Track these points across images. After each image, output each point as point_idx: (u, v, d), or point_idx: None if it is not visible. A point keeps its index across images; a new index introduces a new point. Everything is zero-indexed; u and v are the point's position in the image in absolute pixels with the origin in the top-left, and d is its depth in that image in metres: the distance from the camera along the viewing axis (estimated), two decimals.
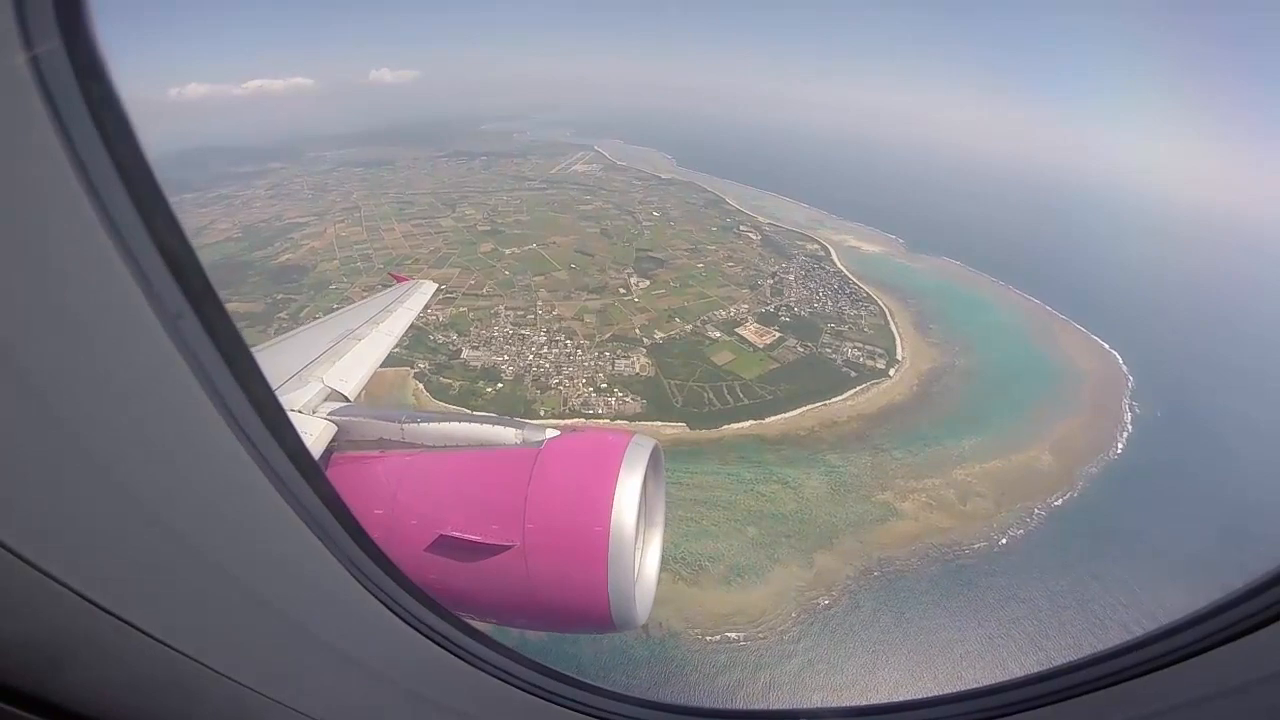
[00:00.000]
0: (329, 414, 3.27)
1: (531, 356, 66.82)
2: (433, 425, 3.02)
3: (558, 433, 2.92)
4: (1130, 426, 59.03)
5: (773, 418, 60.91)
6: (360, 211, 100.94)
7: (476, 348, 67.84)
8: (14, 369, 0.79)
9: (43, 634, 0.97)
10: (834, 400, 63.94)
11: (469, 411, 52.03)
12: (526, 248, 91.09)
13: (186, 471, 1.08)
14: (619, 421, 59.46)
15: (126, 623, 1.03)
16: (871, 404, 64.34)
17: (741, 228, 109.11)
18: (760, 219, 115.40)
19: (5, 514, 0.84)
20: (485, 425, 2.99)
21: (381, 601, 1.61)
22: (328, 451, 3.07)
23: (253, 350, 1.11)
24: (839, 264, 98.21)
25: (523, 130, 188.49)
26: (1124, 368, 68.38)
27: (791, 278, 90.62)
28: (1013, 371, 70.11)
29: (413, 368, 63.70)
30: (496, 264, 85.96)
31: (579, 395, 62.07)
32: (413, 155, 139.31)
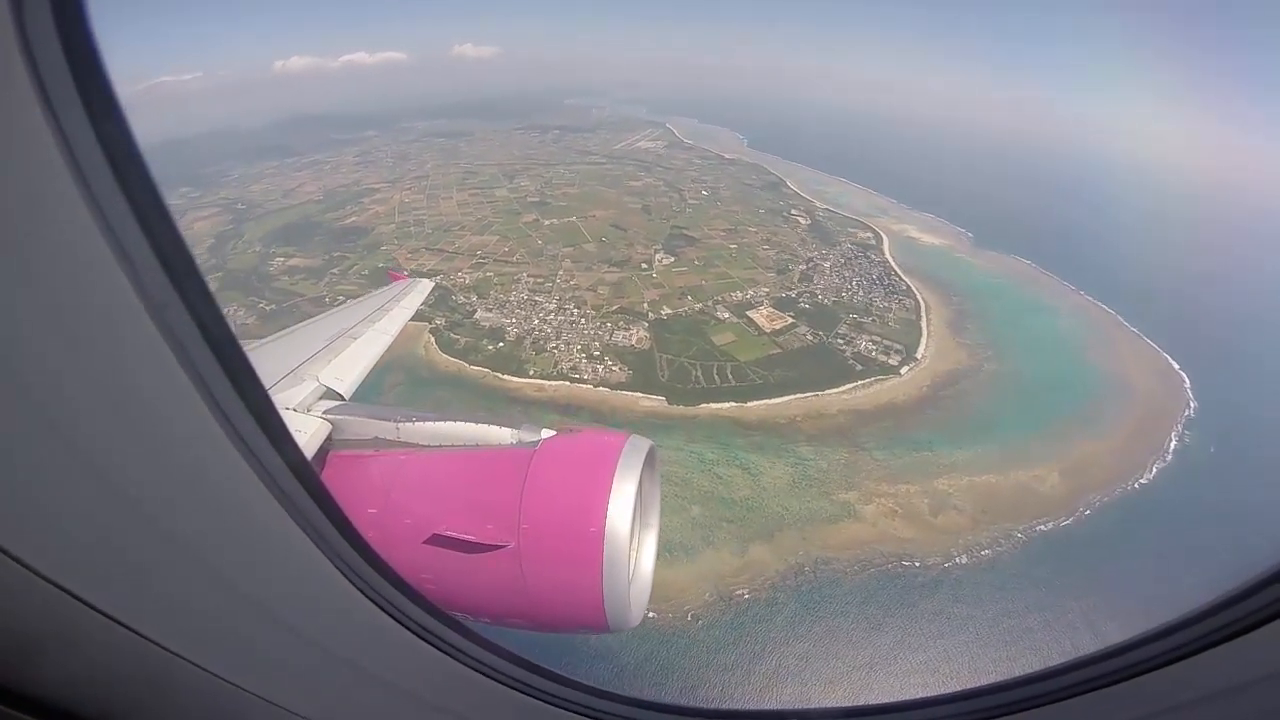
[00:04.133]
0: (324, 412, 3.26)
1: (537, 321, 68.30)
2: (428, 424, 2.99)
3: (553, 433, 2.89)
4: (1169, 458, 49.40)
5: (755, 402, 57.97)
6: (429, 180, 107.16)
7: (490, 310, 70.44)
8: (3, 364, 0.76)
9: (20, 626, 0.94)
10: (828, 392, 59.50)
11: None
12: (566, 220, 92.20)
13: (174, 467, 1.05)
14: (601, 389, 59.58)
15: (108, 617, 1.01)
16: (869, 400, 59.14)
17: (792, 211, 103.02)
18: (817, 204, 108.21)
19: None
20: (481, 425, 2.97)
21: (371, 599, 1.58)
22: (323, 449, 3.03)
23: (248, 348, 1.15)
24: (887, 254, 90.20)
25: (602, 106, 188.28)
26: (1189, 392, 56.94)
27: (828, 265, 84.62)
28: (1048, 382, 61.08)
29: (430, 323, 67.43)
30: (533, 234, 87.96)
31: (570, 360, 62.70)
32: (492, 128, 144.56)
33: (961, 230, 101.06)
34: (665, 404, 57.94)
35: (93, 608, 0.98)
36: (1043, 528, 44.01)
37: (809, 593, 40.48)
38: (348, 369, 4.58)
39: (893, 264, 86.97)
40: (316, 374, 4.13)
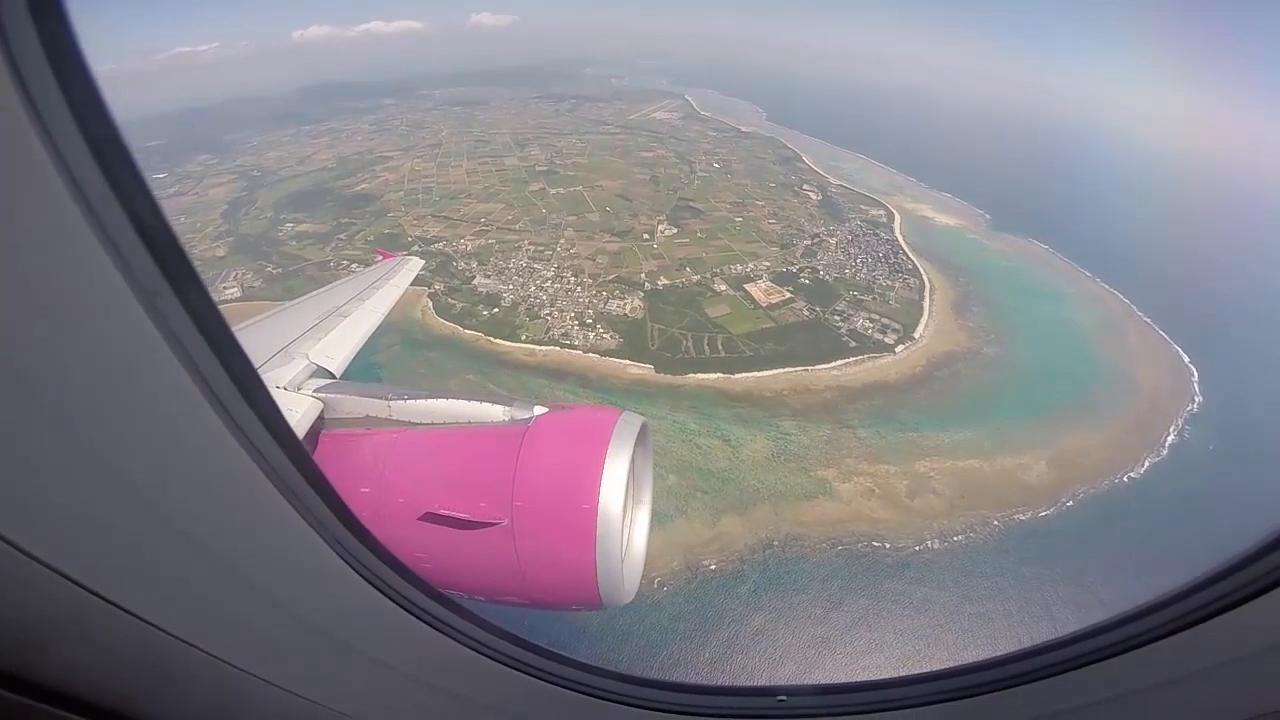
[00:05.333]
0: (315, 391, 3.21)
1: (534, 288, 67.61)
2: (420, 402, 2.96)
3: (545, 410, 2.84)
4: (1165, 452, 46.70)
5: (742, 374, 56.67)
6: (441, 148, 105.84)
7: (489, 276, 69.87)
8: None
9: (27, 616, 0.94)
10: (817, 368, 57.78)
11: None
12: (572, 189, 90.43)
13: (168, 452, 1.04)
14: (591, 355, 58.91)
15: (110, 603, 1.00)
16: (858, 378, 57.24)
17: (804, 187, 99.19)
18: (831, 179, 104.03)
19: None
20: (473, 402, 2.93)
21: (366, 579, 1.58)
22: (315, 428, 3.02)
23: (237, 328, 1.12)
24: (898, 233, 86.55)
25: (621, 76, 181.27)
26: (1195, 387, 53.48)
27: (834, 241, 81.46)
28: (1049, 370, 58.22)
29: (429, 288, 67.22)
30: (538, 202, 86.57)
31: (561, 327, 62.07)
32: (509, 96, 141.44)
33: (980, 212, 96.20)
34: (653, 372, 57.08)
35: (99, 596, 0.98)
36: (1021, 517, 42.29)
37: (774, 567, 39.81)
38: (337, 347, 4.47)
39: (902, 243, 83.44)
40: (306, 352, 4.01)
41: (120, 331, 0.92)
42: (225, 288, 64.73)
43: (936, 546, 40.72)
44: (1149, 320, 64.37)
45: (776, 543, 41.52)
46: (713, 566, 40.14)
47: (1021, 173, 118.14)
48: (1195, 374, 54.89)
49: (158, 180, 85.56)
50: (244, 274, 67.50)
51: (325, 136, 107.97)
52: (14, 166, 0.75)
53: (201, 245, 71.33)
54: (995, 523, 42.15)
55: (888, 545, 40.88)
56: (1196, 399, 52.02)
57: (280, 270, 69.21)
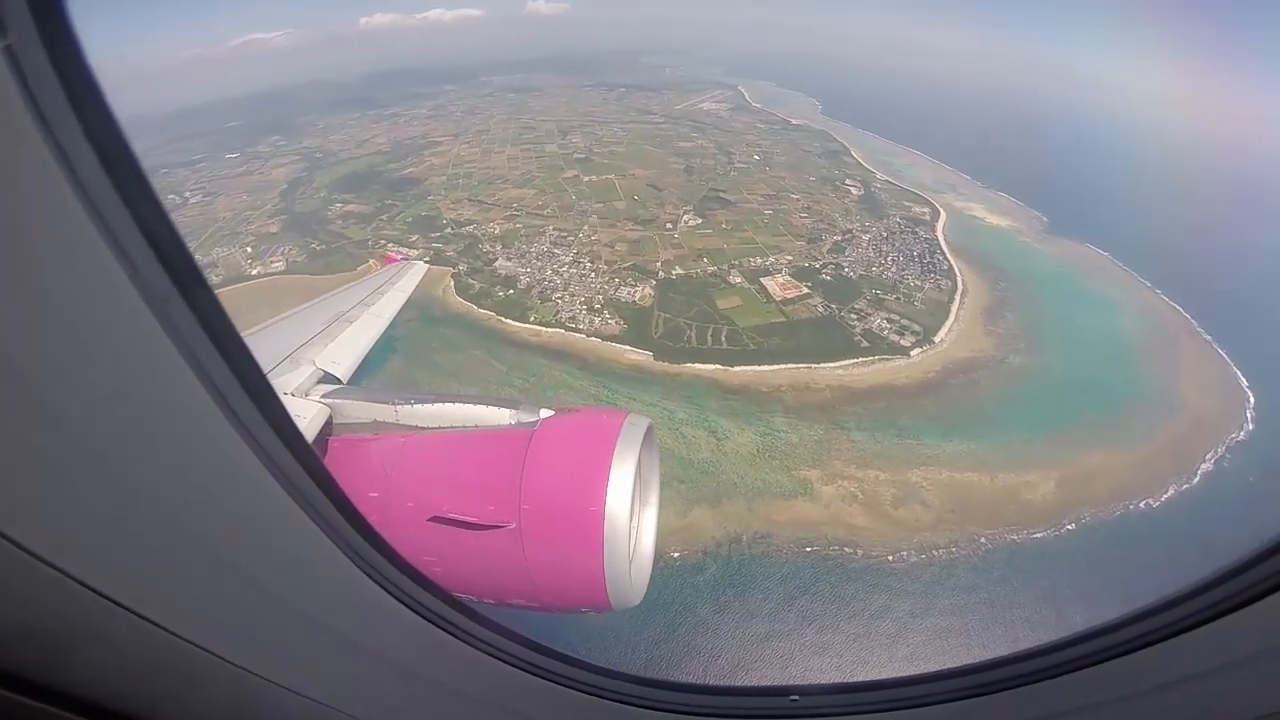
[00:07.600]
0: (322, 396, 3.27)
1: (550, 272, 68.49)
2: (427, 406, 2.99)
3: (551, 412, 2.89)
4: (1195, 480, 41.44)
5: (741, 367, 55.27)
6: (488, 134, 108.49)
7: (510, 259, 71.31)
8: (7, 365, 0.76)
9: (49, 623, 0.95)
10: (821, 366, 55.43)
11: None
12: (604, 177, 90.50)
13: (182, 460, 1.06)
14: (593, 339, 59.20)
15: (127, 609, 1.01)
16: (864, 379, 54.45)
17: (846, 181, 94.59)
18: (877, 174, 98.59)
19: (11, 511, 0.82)
20: (479, 406, 2.97)
21: (378, 583, 1.61)
22: (323, 434, 3.03)
23: (244, 334, 1.17)
24: (939, 232, 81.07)
25: (677, 66, 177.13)
26: (1249, 414, 46.90)
27: (866, 238, 77.41)
28: (1081, 384, 52.97)
29: (454, 268, 69.64)
30: (570, 189, 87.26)
31: (570, 311, 62.71)
32: (563, 84, 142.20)
33: (1036, 214, 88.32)
34: (651, 359, 56.71)
35: (118, 603, 0.98)
36: (1013, 537, 38.92)
37: (737, 563, 38.84)
38: (344, 353, 4.52)
39: (941, 242, 78.11)
40: (313, 358, 4.04)
41: (133, 340, 0.90)
42: (271, 262, 69.73)
43: (912, 559, 38.30)
44: (1209, 338, 57.02)
45: (745, 539, 40.47)
46: (676, 556, 39.63)
47: (1085, 174, 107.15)
48: (1251, 399, 48.19)
49: (230, 160, 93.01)
50: (290, 250, 72.28)
51: (386, 121, 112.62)
52: (26, 179, 0.73)
53: (258, 222, 76.99)
54: (982, 540, 39.07)
55: (859, 552, 38.85)
56: (1247, 427, 45.71)
57: (324, 247, 73.60)
